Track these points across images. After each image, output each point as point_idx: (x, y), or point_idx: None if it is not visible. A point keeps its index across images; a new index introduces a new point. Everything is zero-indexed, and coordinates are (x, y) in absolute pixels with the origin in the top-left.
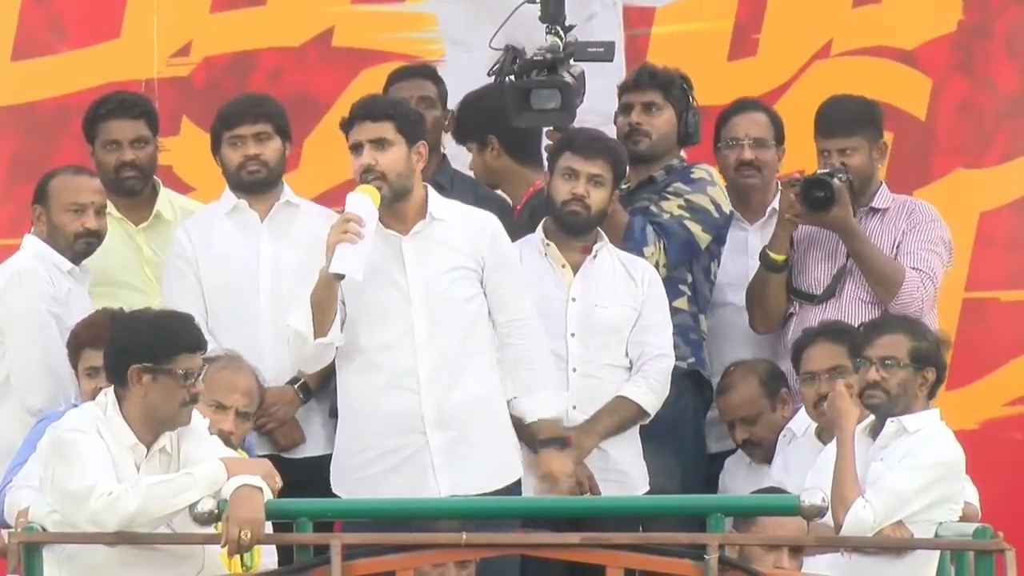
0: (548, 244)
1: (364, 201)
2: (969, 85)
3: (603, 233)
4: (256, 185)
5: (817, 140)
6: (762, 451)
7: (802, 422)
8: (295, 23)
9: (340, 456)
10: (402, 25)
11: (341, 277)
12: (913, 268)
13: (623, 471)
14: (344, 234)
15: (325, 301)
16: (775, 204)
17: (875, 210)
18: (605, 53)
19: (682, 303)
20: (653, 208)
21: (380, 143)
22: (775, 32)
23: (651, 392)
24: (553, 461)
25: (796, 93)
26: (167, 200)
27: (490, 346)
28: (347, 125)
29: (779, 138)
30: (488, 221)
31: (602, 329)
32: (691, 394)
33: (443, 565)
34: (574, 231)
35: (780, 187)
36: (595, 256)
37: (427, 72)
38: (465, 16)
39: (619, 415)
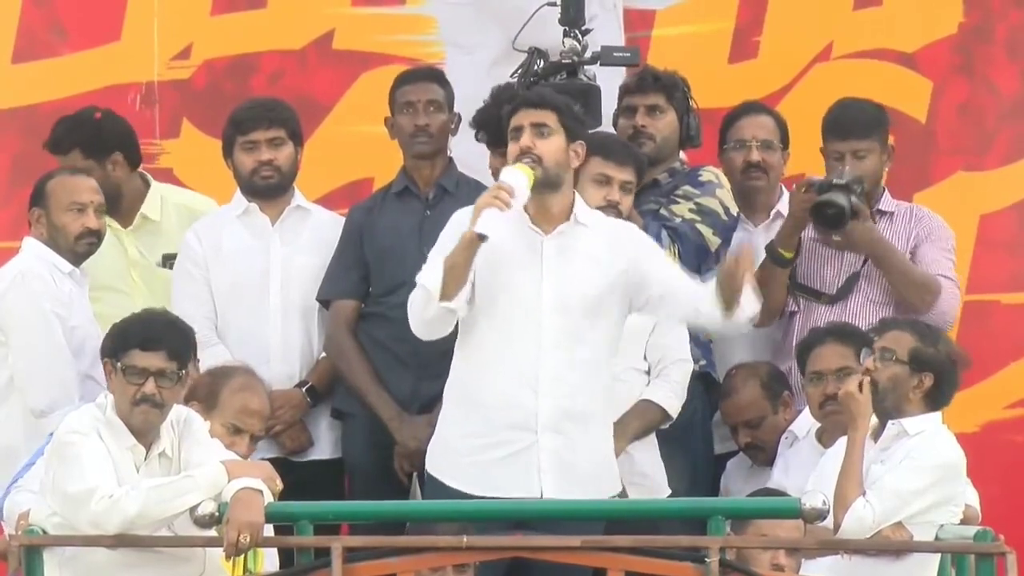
0: None
1: (519, 176)
2: (970, 87)
3: None
4: (269, 190)
5: (829, 142)
6: (765, 454)
7: (804, 424)
8: (296, 25)
9: (445, 434)
10: (402, 27)
11: (484, 238)
12: (944, 277)
13: (647, 474)
14: (495, 199)
15: (461, 264)
16: (780, 207)
17: (882, 212)
18: (632, 58)
19: None
20: (664, 212)
21: (540, 128)
22: (776, 34)
23: (674, 396)
24: None
25: (797, 95)
26: (158, 196)
27: (610, 359)
28: (509, 113)
29: (784, 141)
30: (629, 229)
31: (625, 333)
32: (700, 396)
33: (442, 569)
34: None
35: (784, 189)
36: None
37: (435, 75)
38: (465, 19)
39: (646, 419)
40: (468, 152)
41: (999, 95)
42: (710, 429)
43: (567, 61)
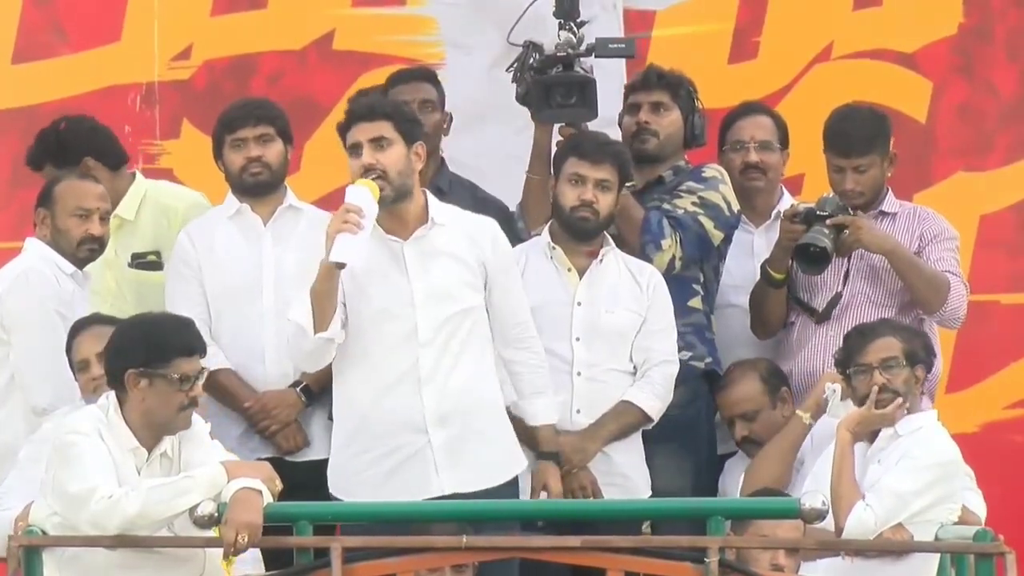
0: (554, 248)
1: (364, 193)
2: (969, 88)
3: (609, 237)
4: (259, 187)
5: (830, 157)
6: (761, 448)
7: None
8: (296, 26)
9: (339, 458)
10: (403, 28)
11: (341, 266)
12: (951, 274)
13: (626, 475)
14: (344, 224)
15: (325, 293)
16: (780, 207)
17: (885, 213)
18: (627, 49)
19: (696, 302)
20: (667, 206)
21: (379, 142)
22: (776, 35)
23: (655, 397)
24: (550, 477)
25: (797, 96)
26: (138, 194)
27: (488, 347)
28: (344, 127)
29: (783, 141)
30: (488, 226)
31: (608, 333)
32: (705, 396)
33: (440, 570)
34: (582, 237)
35: (785, 190)
36: (601, 260)
37: (426, 75)
38: (465, 19)
39: (623, 420)
40: (461, 151)
41: (999, 96)
42: (714, 430)
43: (562, 54)
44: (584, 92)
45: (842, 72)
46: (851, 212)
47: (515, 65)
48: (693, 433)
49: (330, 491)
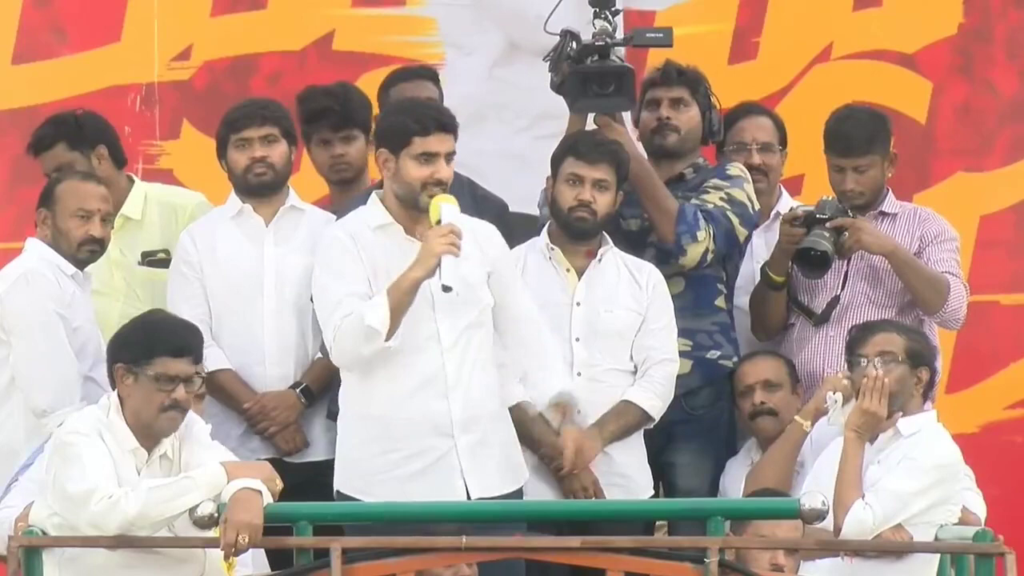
0: (553, 248)
1: (457, 213)
2: (969, 88)
3: (607, 236)
4: (263, 188)
5: (831, 157)
6: (775, 423)
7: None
8: (296, 26)
9: (355, 456)
10: (402, 28)
11: (448, 289)
12: (951, 275)
13: (627, 475)
14: (452, 247)
15: (405, 306)
16: (779, 207)
17: (885, 214)
18: (664, 38)
19: (721, 301)
20: (695, 200)
21: (450, 156)
22: (775, 35)
23: (656, 396)
24: (583, 439)
25: (797, 96)
26: (141, 195)
27: (492, 353)
28: (414, 131)
29: (783, 141)
30: (490, 229)
31: (607, 333)
32: (727, 397)
33: (456, 565)
34: (580, 237)
35: (783, 190)
36: (600, 260)
37: (429, 74)
38: (465, 20)
39: (624, 419)
40: (461, 151)
41: (999, 96)
42: (734, 429)
43: (600, 43)
44: (621, 82)
45: (842, 73)
46: (850, 214)
47: (551, 55)
48: (715, 434)
49: (339, 489)
